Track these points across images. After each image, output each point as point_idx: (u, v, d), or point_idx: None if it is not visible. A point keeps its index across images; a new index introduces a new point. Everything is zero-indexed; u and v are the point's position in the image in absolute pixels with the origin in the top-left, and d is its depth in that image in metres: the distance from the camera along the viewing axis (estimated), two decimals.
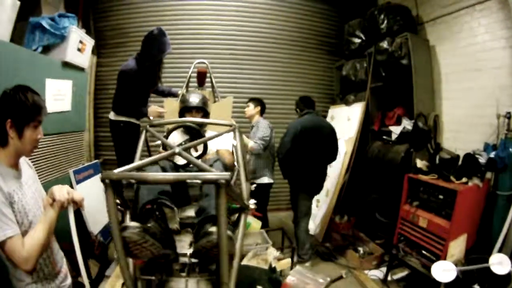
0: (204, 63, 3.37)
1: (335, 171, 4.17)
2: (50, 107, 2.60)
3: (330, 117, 4.61)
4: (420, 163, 3.02)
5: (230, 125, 1.83)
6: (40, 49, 2.86)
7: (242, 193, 1.72)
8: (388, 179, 3.48)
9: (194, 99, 2.33)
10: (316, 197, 4.37)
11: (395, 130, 3.64)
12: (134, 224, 1.13)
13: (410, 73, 3.37)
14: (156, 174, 1.16)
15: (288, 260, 1.64)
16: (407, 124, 3.48)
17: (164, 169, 1.72)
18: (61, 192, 1.25)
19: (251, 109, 3.56)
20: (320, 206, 4.28)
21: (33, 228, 1.24)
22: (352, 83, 4.20)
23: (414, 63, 3.35)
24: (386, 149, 3.66)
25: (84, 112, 3.60)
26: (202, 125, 2.20)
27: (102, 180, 0.94)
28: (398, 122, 3.64)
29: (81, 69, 3.33)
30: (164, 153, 1.29)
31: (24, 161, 1.39)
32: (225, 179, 0.89)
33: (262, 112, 3.61)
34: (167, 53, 2.89)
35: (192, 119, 2.15)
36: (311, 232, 4.08)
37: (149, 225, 1.22)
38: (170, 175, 1.19)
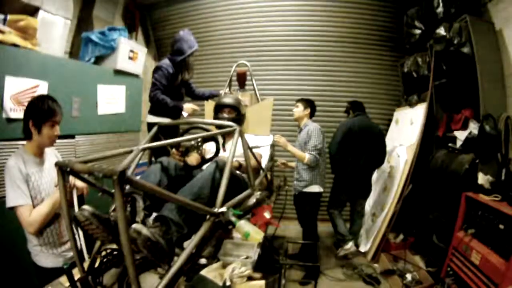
0: (245, 64, 3.38)
1: (394, 182, 3.74)
2: (102, 109, 3.23)
3: (394, 121, 4.14)
4: (482, 179, 2.44)
5: (231, 126, 1.70)
6: (93, 60, 3.37)
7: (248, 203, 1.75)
8: (449, 195, 2.95)
9: (227, 98, 2.56)
10: (372, 211, 4.03)
11: (460, 136, 3.05)
12: (88, 208, 1.20)
13: (474, 64, 2.82)
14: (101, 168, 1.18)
15: (260, 284, 1.34)
16: (473, 128, 2.88)
17: (166, 168, 1.71)
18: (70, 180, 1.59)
19: (300, 110, 3.26)
20: (376, 220, 3.89)
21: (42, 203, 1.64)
22: (414, 81, 3.70)
23: (477, 51, 2.81)
24: (450, 159, 3.10)
25: (139, 114, 3.98)
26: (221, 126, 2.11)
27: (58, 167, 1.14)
28: (464, 126, 3.06)
29: (135, 75, 3.75)
30: (121, 150, 1.44)
31: (52, 153, 1.86)
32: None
33: (311, 115, 3.36)
34: (195, 50, 3.07)
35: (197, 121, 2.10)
36: (362, 249, 3.82)
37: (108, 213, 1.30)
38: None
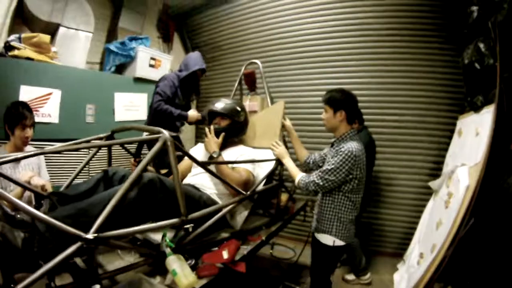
0: (255, 63, 3.04)
1: (450, 216, 2.89)
2: (120, 116, 3.52)
3: (457, 132, 3.22)
4: None
5: (155, 131, 1.43)
6: (113, 69, 3.73)
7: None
8: None
9: (215, 103, 2.29)
10: (420, 249, 3.24)
11: None
12: None
13: None
14: None
15: None
16: None
17: (109, 178, 1.66)
18: (25, 175, 1.79)
19: (329, 116, 2.04)
20: (422, 263, 3.08)
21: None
22: (478, 75, 2.79)
23: None
24: None
25: None
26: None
27: None
28: None
29: None
30: None
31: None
32: None
33: (351, 119, 2.07)
34: (200, 68, 3.12)
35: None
36: None
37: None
38: None
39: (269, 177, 2.26)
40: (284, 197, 2.53)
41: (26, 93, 2.93)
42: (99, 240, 1.05)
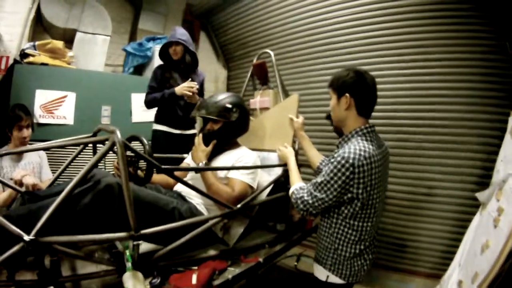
0: (267, 53, 2.83)
1: (499, 236, 2.34)
2: (137, 117, 3.63)
3: (509, 132, 2.59)
4: None
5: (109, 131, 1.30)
6: (131, 70, 3.85)
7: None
8: None
9: (202, 106, 2.01)
10: (459, 276, 2.69)
11: None
12: None
13: None
14: None
15: None
16: None
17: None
18: (18, 174, 1.87)
19: (333, 103, 1.59)
20: None
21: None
22: None
23: None
24: None
25: None
26: None
27: None
28: None
29: None
30: None
31: (36, 153, 2.30)
32: None
33: (362, 110, 1.54)
34: (170, 41, 2.77)
35: None
36: None
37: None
38: None
39: (278, 185, 2.00)
40: None
41: (41, 97, 3.14)
42: (39, 244, 1.06)
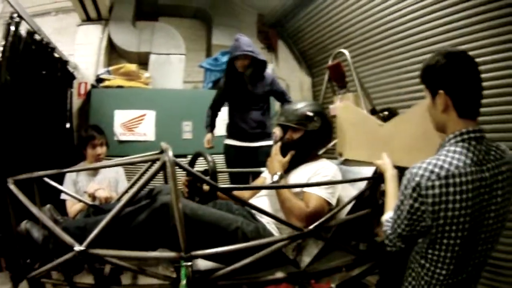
0: (342, 53, 2.59)
1: None
2: (219, 130, 3.28)
3: None
4: None
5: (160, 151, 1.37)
6: (210, 85, 3.71)
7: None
8: None
9: (281, 114, 1.91)
10: None
11: None
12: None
13: None
14: None
15: None
16: None
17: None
18: (91, 188, 1.98)
19: (429, 105, 1.19)
20: None
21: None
22: None
23: None
24: None
25: None
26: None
27: None
28: None
29: None
30: None
31: (112, 169, 2.36)
32: None
33: (462, 110, 1.09)
34: (234, 55, 2.58)
35: None
36: None
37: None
38: None
39: (363, 198, 1.72)
40: None
41: (120, 116, 3.28)
42: (89, 255, 1.15)
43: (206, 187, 1.67)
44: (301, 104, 1.86)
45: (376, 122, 1.81)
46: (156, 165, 1.22)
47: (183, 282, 1.17)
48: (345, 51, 2.54)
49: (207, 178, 1.32)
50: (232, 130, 2.80)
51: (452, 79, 1.05)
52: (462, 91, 1.05)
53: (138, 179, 1.81)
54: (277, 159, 1.76)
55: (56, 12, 3.93)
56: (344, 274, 1.60)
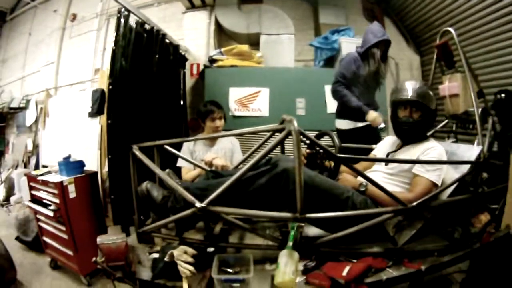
0: (449, 31, 2.42)
1: None
2: (331, 108, 3.40)
3: None
4: None
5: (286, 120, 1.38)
6: (322, 63, 3.72)
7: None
8: None
9: (406, 90, 1.84)
10: None
11: None
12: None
13: None
14: None
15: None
16: None
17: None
18: (208, 156, 2.09)
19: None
20: None
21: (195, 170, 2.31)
22: None
23: None
24: None
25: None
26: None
27: None
28: None
29: None
30: None
31: (228, 140, 2.51)
32: None
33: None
34: (382, 40, 2.60)
35: None
36: None
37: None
38: None
39: (464, 184, 1.78)
40: (484, 217, 1.88)
41: (235, 93, 3.44)
42: (208, 211, 1.32)
43: (327, 162, 1.83)
44: (419, 84, 1.85)
45: None
46: (282, 133, 1.32)
47: (290, 243, 1.24)
48: (452, 30, 2.38)
49: (326, 148, 1.42)
50: (344, 111, 2.77)
51: None
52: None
53: (258, 148, 1.96)
54: (345, 180, 1.75)
55: (159, 3, 4.31)
56: (435, 259, 1.60)
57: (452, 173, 1.81)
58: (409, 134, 1.83)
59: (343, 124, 2.75)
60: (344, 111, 2.75)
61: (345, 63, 2.71)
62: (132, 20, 2.54)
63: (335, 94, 2.72)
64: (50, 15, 4.95)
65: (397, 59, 4.12)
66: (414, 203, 1.51)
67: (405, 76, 4.08)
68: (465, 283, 1.95)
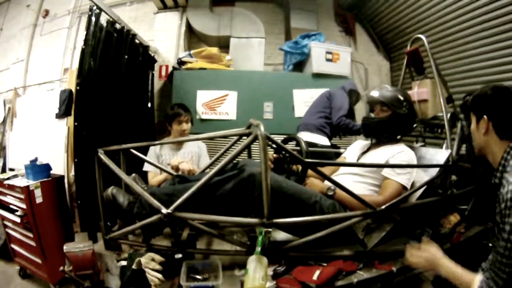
0: (420, 38, 2.54)
1: None
2: (299, 111, 3.58)
3: None
4: None
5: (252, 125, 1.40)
6: (291, 67, 3.77)
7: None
8: None
9: (375, 91, 1.97)
10: None
11: None
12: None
13: None
14: None
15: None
16: None
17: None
18: (175, 161, 2.06)
19: (473, 129, 1.31)
20: None
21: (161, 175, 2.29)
22: None
23: None
24: None
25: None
26: None
27: None
28: None
29: (342, 77, 3.63)
30: None
31: (195, 144, 2.52)
32: None
33: (501, 131, 1.24)
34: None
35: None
36: None
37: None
38: None
39: (433, 187, 1.86)
40: (454, 217, 1.94)
41: (203, 96, 3.47)
42: (174, 217, 1.32)
43: (294, 167, 1.86)
44: (393, 88, 1.96)
45: None
46: (249, 138, 1.30)
47: (258, 249, 1.23)
48: (423, 37, 2.48)
49: (293, 153, 1.43)
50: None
51: (496, 105, 1.19)
52: (501, 116, 1.18)
53: (225, 152, 1.96)
54: (312, 184, 1.79)
55: (131, 3, 4.29)
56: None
57: (422, 176, 1.89)
58: (370, 130, 1.93)
59: (325, 140, 2.94)
60: (332, 131, 3.02)
61: (343, 96, 3.04)
62: (103, 19, 2.54)
63: (342, 124, 2.94)
64: (24, 10, 4.85)
65: (366, 64, 4.27)
66: (383, 206, 1.56)
67: (374, 80, 4.25)
68: (437, 281, 2.04)
